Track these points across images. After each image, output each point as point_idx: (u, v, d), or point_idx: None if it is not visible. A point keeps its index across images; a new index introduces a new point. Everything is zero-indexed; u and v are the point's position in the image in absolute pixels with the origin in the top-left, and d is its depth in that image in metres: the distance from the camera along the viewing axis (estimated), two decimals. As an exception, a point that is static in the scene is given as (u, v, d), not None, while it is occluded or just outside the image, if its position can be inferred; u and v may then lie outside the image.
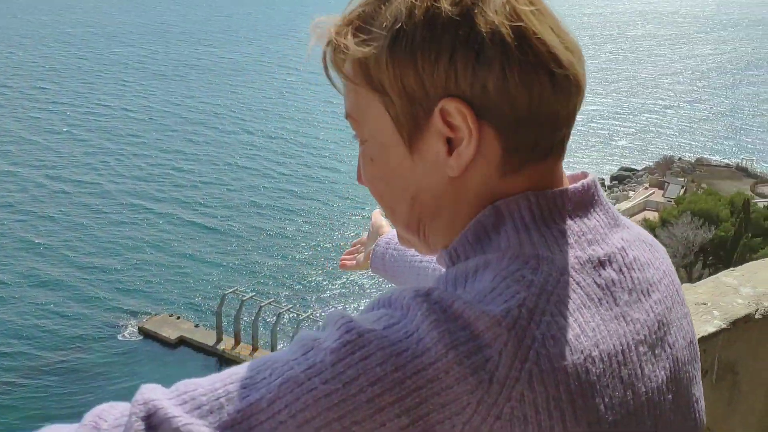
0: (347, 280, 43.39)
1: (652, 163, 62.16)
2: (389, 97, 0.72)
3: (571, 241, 0.69)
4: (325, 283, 43.33)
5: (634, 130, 76.99)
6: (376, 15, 0.72)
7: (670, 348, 0.73)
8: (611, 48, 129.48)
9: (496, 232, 0.70)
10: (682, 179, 52.10)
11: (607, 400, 0.63)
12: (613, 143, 72.95)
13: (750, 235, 33.06)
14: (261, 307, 34.81)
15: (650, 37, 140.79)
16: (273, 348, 35.34)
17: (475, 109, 0.68)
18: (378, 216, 1.45)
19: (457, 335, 0.60)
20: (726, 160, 60.06)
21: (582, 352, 0.63)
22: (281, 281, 42.61)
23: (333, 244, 46.78)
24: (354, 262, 1.53)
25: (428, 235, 0.78)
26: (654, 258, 0.78)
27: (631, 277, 0.72)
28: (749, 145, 65.88)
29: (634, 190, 56.12)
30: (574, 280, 0.66)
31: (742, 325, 1.78)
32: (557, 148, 0.74)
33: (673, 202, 42.82)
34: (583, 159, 69.07)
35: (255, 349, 34.83)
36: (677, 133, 75.29)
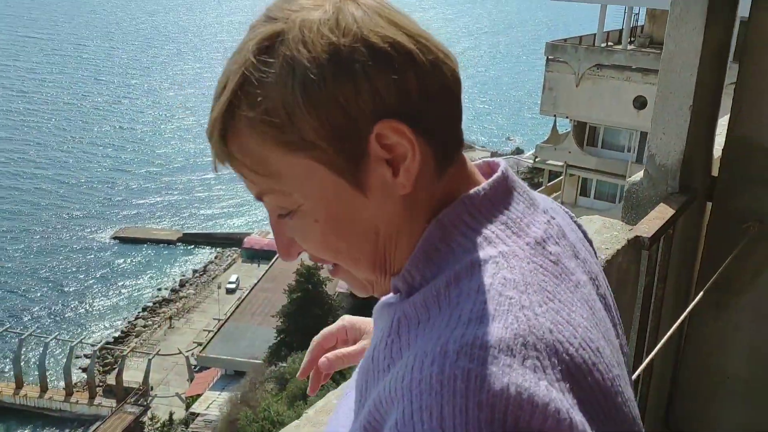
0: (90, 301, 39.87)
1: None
2: (318, 147, 0.69)
3: (515, 230, 0.71)
4: (69, 301, 39.58)
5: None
6: (263, 77, 0.68)
7: (604, 295, 0.79)
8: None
9: (446, 245, 0.70)
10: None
11: (600, 352, 0.66)
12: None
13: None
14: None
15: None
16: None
17: (406, 120, 0.68)
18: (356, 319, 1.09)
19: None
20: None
21: (571, 313, 0.66)
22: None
23: (67, 261, 42.53)
24: (342, 359, 1.03)
25: (394, 266, 0.75)
26: (564, 219, 0.81)
27: (565, 244, 0.74)
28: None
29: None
30: (537, 263, 0.68)
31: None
32: (462, 141, 0.76)
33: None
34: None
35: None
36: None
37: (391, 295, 0.76)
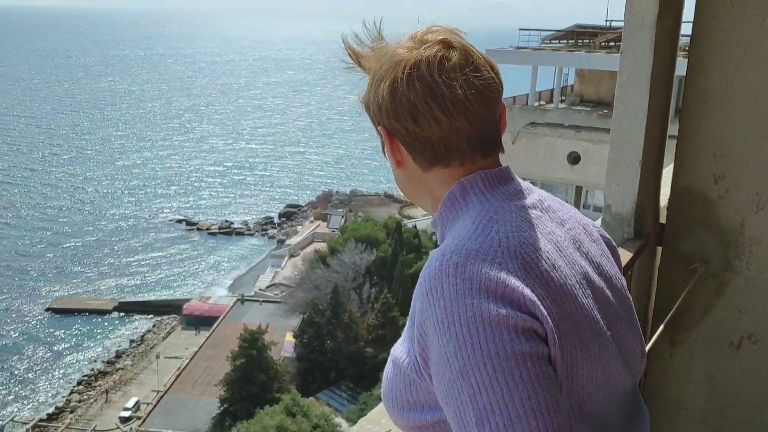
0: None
1: (313, 198, 66.13)
2: None
3: (508, 196, 1.09)
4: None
5: (293, 170, 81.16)
6: None
7: (587, 253, 1.13)
8: (254, 94, 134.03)
9: (463, 198, 1.09)
10: (342, 210, 56.14)
11: (559, 268, 1.02)
12: (277, 183, 76.04)
13: (405, 252, 36.95)
14: None
15: (288, 83, 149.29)
16: None
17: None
18: None
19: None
20: (375, 190, 66.67)
21: (537, 242, 1.02)
22: None
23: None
24: None
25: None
26: (562, 207, 1.18)
27: (549, 215, 1.12)
28: (390, 175, 74.26)
29: (301, 225, 58.79)
30: (519, 215, 1.06)
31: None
32: (490, 150, 1.13)
33: (337, 232, 45.86)
34: (252, 200, 70.04)
35: None
36: (330, 170, 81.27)
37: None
